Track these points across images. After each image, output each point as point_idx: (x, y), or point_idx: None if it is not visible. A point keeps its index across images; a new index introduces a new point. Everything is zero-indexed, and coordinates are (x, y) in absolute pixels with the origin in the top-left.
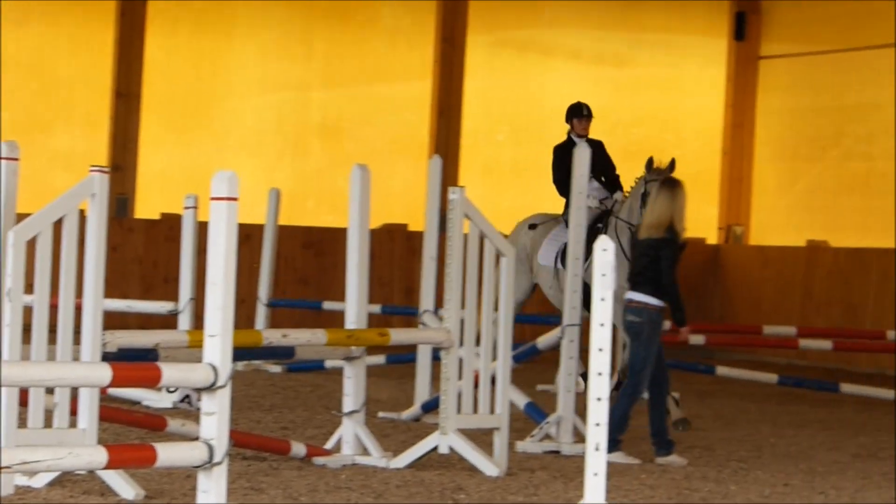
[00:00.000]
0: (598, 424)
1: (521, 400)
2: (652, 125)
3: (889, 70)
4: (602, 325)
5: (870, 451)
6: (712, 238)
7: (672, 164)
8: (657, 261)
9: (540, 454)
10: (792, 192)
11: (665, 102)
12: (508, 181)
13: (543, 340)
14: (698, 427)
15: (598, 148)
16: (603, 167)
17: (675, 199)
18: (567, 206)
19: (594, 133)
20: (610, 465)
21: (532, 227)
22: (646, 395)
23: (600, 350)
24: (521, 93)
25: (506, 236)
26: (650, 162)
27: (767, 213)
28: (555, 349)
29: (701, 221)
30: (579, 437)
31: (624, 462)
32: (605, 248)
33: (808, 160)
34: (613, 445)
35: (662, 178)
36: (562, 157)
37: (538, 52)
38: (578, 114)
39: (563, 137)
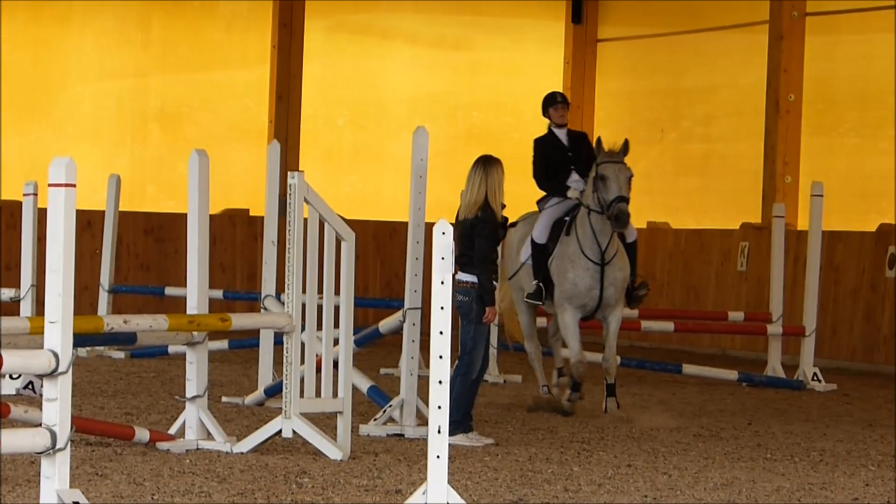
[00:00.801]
0: (439, 407)
1: (364, 384)
2: (491, 109)
3: (725, 52)
4: (442, 308)
5: (712, 432)
6: None
7: (626, 146)
8: (474, 239)
9: (383, 437)
10: None
11: (504, 86)
12: (348, 165)
13: (386, 324)
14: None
15: (579, 139)
16: (583, 158)
17: (488, 178)
18: (543, 199)
19: (438, 115)
20: (453, 447)
21: (513, 225)
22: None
23: (441, 333)
24: (360, 77)
25: (346, 220)
26: (599, 143)
27: None
28: (397, 333)
29: None
30: (423, 420)
31: (467, 444)
32: (443, 232)
33: (647, 143)
34: (455, 428)
35: (484, 157)
36: (542, 151)
37: (377, 36)
38: (552, 102)
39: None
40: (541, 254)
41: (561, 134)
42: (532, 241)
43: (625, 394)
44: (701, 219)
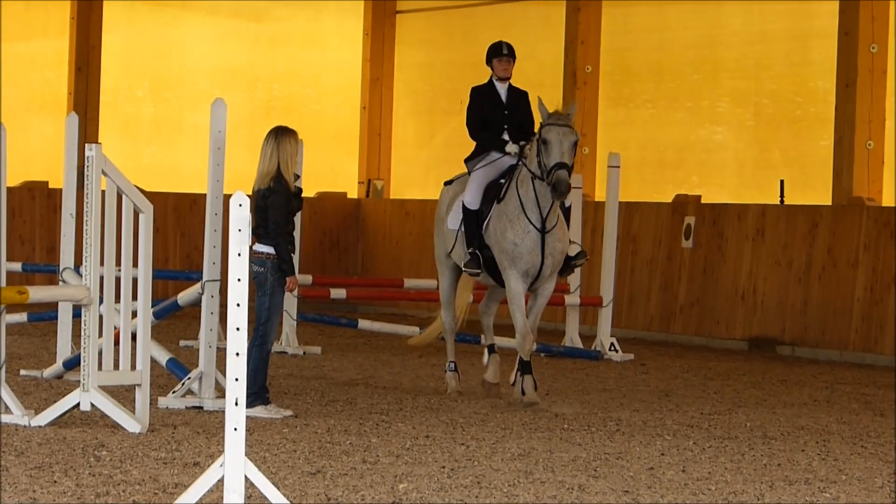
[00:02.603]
0: (237, 379)
1: (163, 356)
2: (292, 81)
3: (524, 23)
4: (239, 280)
5: (509, 401)
6: (353, 192)
7: (572, 108)
8: (268, 210)
9: (182, 410)
10: (431, 146)
11: (304, 58)
12: (148, 138)
13: (184, 296)
14: (340, 381)
15: (519, 97)
16: (522, 118)
17: (280, 149)
18: (472, 153)
19: (239, 86)
20: (252, 419)
21: (448, 182)
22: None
23: (238, 305)
24: (160, 48)
25: (146, 192)
26: (541, 104)
27: (407, 166)
28: (196, 305)
29: (342, 175)
30: (221, 393)
31: (266, 416)
32: (240, 204)
33: (446, 114)
34: (255, 399)
35: (277, 128)
36: (477, 102)
37: (177, 7)
38: (497, 53)
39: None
40: (473, 219)
41: (502, 89)
42: (463, 206)
43: (424, 364)
44: None
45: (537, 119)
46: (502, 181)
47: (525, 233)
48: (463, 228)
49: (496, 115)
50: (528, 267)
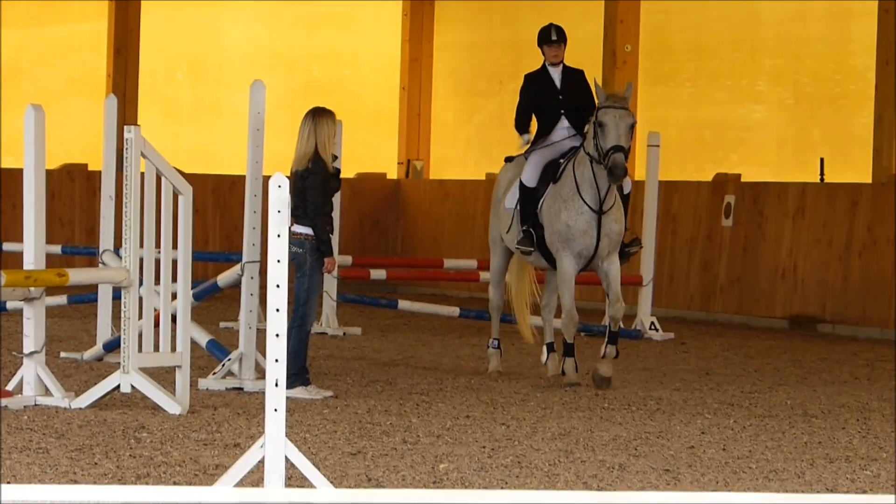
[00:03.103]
0: (277, 360)
1: (203, 338)
2: (331, 62)
3: (562, 3)
4: (279, 261)
5: (549, 382)
6: (392, 173)
7: (629, 89)
8: (306, 191)
9: (223, 391)
10: (470, 126)
11: (343, 39)
12: (187, 120)
13: (224, 278)
14: (380, 362)
15: (574, 78)
16: (580, 99)
17: (318, 130)
18: (534, 138)
19: (277, 68)
20: (292, 400)
21: (509, 159)
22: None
23: (278, 286)
24: (198, 31)
25: (185, 174)
26: (597, 86)
27: (447, 147)
28: (236, 286)
29: (381, 156)
30: (262, 374)
31: (307, 397)
32: (279, 185)
33: (486, 94)
34: (294, 381)
35: (314, 109)
36: (530, 90)
37: None
38: (547, 38)
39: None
40: (530, 197)
41: (555, 73)
42: (521, 184)
43: (464, 345)
44: None
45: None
46: (561, 161)
47: (579, 213)
48: (519, 207)
49: (551, 101)
50: (581, 248)
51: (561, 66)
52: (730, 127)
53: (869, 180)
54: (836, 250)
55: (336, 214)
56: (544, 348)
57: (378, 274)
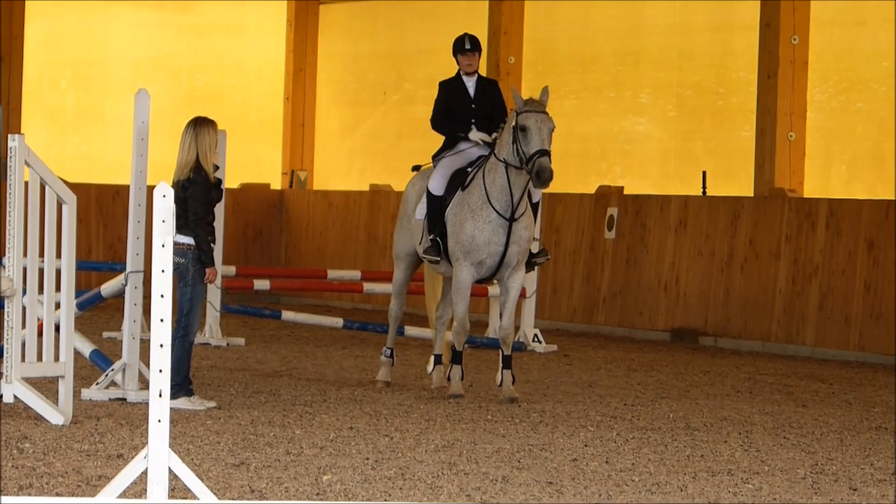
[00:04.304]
0: (160, 371)
1: (87, 348)
2: (215, 71)
3: (447, 14)
4: (163, 271)
5: (432, 394)
6: (277, 183)
7: (545, 93)
8: (188, 201)
9: (106, 402)
10: (354, 137)
11: (228, 47)
12: (72, 128)
13: (107, 288)
14: (264, 373)
15: (487, 88)
16: (489, 111)
17: (198, 139)
18: (440, 147)
19: (162, 77)
20: (175, 411)
21: (415, 168)
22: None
23: (162, 297)
24: (83, 38)
25: (69, 183)
26: (514, 92)
27: (331, 157)
28: (120, 296)
29: (266, 167)
30: (145, 384)
31: (190, 408)
32: (164, 195)
33: (370, 105)
34: (177, 391)
35: (196, 119)
36: (444, 97)
37: None
38: (461, 48)
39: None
40: (437, 206)
41: (469, 82)
42: (427, 192)
43: (347, 356)
44: None
45: (509, 108)
46: (469, 169)
47: (486, 223)
48: (426, 215)
49: (463, 109)
50: (485, 257)
51: (475, 75)
52: (613, 139)
53: (751, 193)
54: (719, 263)
55: (220, 225)
56: (431, 358)
57: (262, 284)
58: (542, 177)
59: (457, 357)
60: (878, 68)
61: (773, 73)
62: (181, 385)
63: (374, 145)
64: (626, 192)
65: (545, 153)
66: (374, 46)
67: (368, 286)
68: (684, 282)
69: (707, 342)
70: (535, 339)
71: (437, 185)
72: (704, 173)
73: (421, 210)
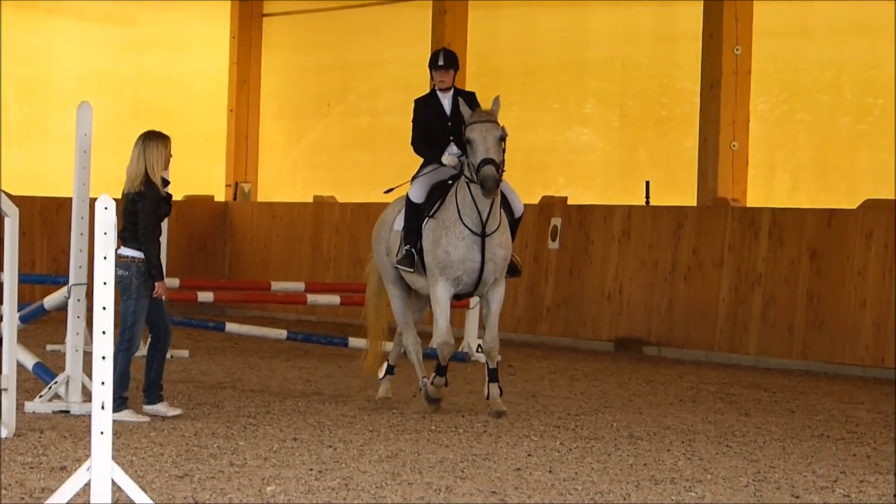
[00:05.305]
0: (103, 383)
1: (30, 360)
2: (160, 84)
3: (391, 26)
4: (105, 283)
5: (377, 405)
6: (220, 195)
7: (495, 102)
8: (136, 214)
9: (49, 414)
10: (298, 149)
11: (172, 61)
12: (15, 141)
13: (50, 300)
14: (208, 384)
15: (466, 101)
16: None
17: (147, 152)
18: (419, 169)
19: (107, 90)
20: (119, 423)
21: (388, 191)
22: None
23: (104, 309)
24: (27, 52)
25: (12, 196)
26: (462, 105)
27: (275, 169)
28: (63, 309)
29: (210, 179)
30: (89, 397)
31: (133, 420)
32: (105, 207)
33: (314, 117)
34: (121, 404)
35: (146, 132)
36: (420, 115)
37: (43, 10)
38: (434, 64)
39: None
40: (416, 215)
41: (445, 98)
42: (407, 199)
43: (291, 368)
44: (368, 193)
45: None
46: (450, 182)
47: (459, 239)
48: (404, 223)
49: (440, 126)
50: (461, 274)
51: (451, 91)
52: (557, 150)
53: (694, 203)
54: (662, 273)
55: (164, 236)
56: (384, 366)
57: (205, 296)
58: (486, 185)
59: (441, 370)
60: (821, 78)
61: (716, 83)
62: (125, 398)
63: (318, 157)
64: (569, 202)
65: (488, 161)
66: (317, 58)
67: (312, 297)
68: (628, 292)
69: (651, 352)
70: (479, 350)
71: (417, 194)
72: (648, 183)
73: (400, 221)
